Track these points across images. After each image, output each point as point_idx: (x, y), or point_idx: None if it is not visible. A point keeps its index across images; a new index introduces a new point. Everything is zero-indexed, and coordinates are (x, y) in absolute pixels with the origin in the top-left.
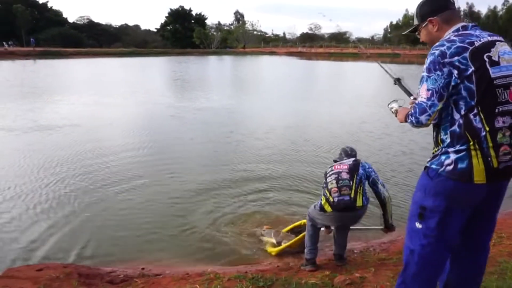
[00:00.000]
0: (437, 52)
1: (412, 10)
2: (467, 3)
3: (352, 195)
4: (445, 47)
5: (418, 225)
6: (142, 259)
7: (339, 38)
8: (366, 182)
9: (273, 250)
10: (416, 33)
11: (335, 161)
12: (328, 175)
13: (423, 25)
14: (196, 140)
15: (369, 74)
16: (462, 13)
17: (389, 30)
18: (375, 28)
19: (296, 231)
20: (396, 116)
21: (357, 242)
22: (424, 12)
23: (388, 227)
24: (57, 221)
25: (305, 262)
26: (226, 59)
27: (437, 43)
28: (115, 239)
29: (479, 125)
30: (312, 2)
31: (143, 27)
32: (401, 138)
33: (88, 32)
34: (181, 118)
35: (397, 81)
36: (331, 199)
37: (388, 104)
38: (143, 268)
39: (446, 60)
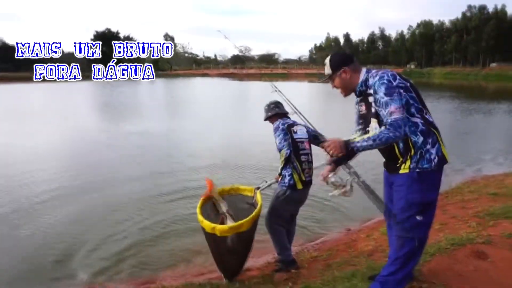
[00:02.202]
0: (385, 80)
1: (333, 33)
2: (379, 27)
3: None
4: (386, 76)
5: (419, 218)
6: (90, 285)
7: (269, 60)
8: None
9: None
10: (331, 80)
11: (283, 114)
12: (301, 149)
13: (338, 74)
14: (127, 164)
15: (297, 92)
16: (376, 37)
17: (314, 51)
18: (301, 49)
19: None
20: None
21: (293, 245)
22: (336, 64)
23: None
24: None
25: (288, 265)
26: (157, 82)
27: (379, 75)
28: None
29: (431, 119)
30: (242, 25)
31: (65, 50)
32: None
33: (1, 56)
34: (110, 142)
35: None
36: (303, 178)
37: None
38: None
39: (394, 84)
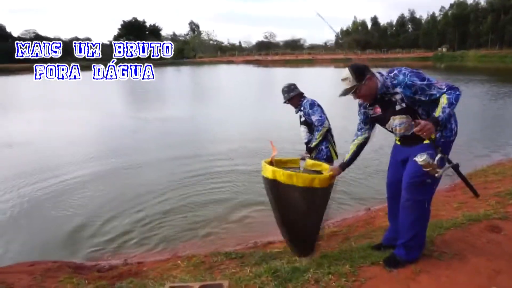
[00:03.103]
0: (410, 72)
1: (360, 17)
2: (409, 10)
3: None
4: (404, 69)
5: (429, 180)
6: (120, 254)
7: (294, 45)
8: None
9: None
10: (354, 94)
11: (302, 94)
12: (331, 128)
13: (363, 83)
14: (155, 149)
15: (322, 78)
16: (406, 19)
17: (340, 36)
18: (327, 34)
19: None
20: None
21: None
22: (361, 73)
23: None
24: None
25: None
26: (183, 69)
27: (400, 73)
28: (87, 238)
29: None
30: (266, 11)
31: (94, 40)
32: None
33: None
34: (137, 128)
35: None
36: (336, 150)
37: (423, 160)
38: (125, 259)
39: (416, 71)
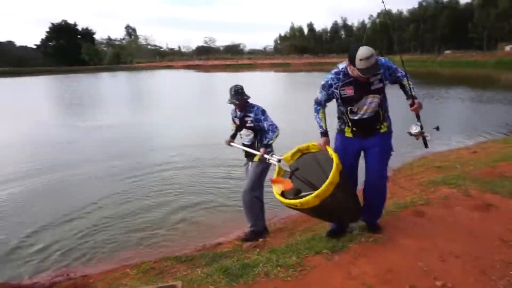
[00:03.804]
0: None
1: (297, 23)
2: (342, 17)
3: None
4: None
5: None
6: (59, 268)
7: (234, 50)
8: None
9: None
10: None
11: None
12: None
13: None
14: (90, 159)
15: (263, 82)
16: (339, 26)
17: (278, 41)
18: (267, 39)
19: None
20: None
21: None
22: None
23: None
24: None
25: (259, 234)
26: (120, 75)
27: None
28: (22, 255)
29: None
30: (206, 15)
31: (18, 43)
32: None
33: None
34: (74, 137)
35: None
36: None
37: (414, 131)
38: (67, 274)
39: None
